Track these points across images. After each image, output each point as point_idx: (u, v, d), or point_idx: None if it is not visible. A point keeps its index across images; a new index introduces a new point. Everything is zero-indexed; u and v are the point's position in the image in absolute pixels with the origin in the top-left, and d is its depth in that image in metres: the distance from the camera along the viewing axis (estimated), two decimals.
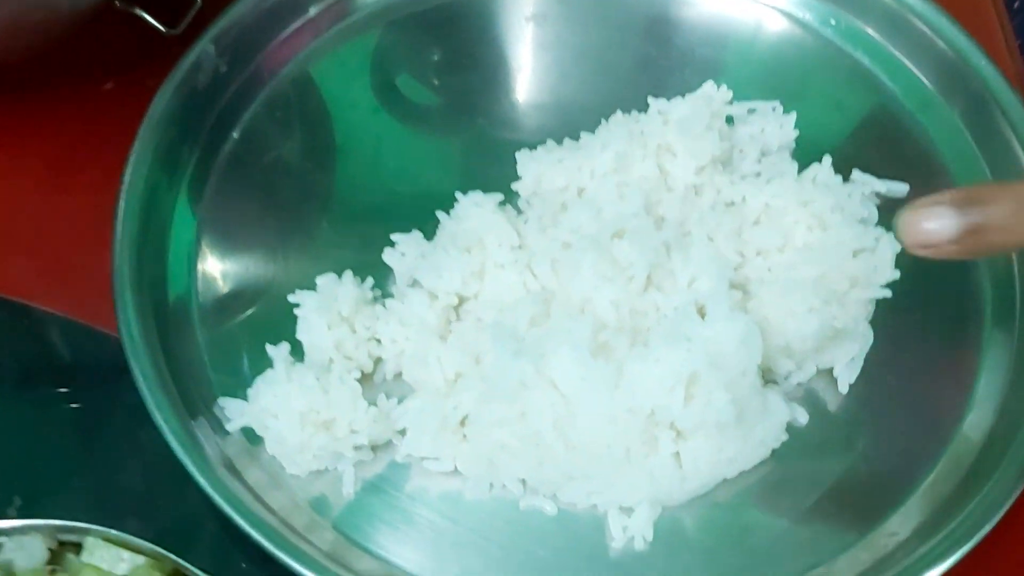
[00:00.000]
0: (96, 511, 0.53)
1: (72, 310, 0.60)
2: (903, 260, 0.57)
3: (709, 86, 0.63)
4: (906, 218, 0.42)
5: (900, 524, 0.52)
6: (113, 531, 0.49)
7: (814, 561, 0.51)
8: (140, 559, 0.49)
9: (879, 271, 0.55)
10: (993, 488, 0.50)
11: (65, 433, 0.58)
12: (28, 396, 0.60)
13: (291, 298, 0.56)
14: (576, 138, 0.62)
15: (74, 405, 0.58)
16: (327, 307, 0.55)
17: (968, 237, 0.40)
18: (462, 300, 0.57)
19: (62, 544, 0.52)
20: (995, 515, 0.49)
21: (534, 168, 0.61)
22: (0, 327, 0.61)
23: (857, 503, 0.53)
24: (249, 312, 0.59)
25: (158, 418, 0.51)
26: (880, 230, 0.57)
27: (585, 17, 0.70)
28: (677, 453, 0.51)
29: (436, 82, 0.69)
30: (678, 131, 0.59)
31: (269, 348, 0.56)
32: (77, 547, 0.52)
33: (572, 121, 0.64)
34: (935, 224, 0.41)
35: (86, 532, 0.50)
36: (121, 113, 0.62)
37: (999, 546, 0.51)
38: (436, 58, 0.69)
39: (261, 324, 0.58)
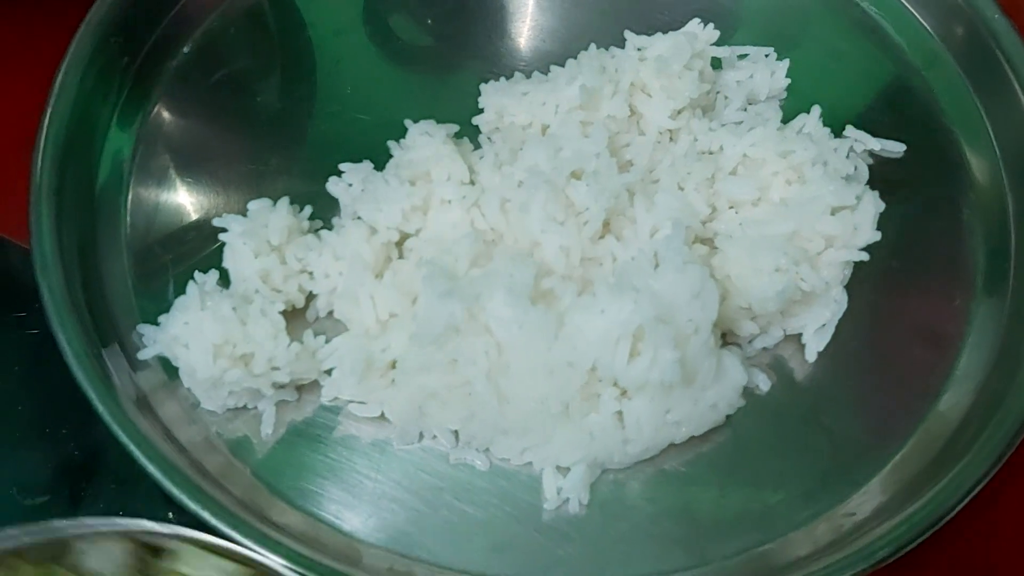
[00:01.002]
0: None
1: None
2: (887, 221, 0.52)
3: (694, 24, 0.59)
4: None
5: (860, 504, 0.47)
6: (207, 536, 0.41)
7: (762, 537, 0.47)
8: (229, 566, 0.42)
9: (859, 232, 0.51)
10: (961, 473, 0.45)
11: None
12: None
13: (216, 222, 0.52)
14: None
15: (32, 331, 0.55)
16: (255, 233, 0.51)
17: None
18: (404, 236, 0.52)
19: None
20: (958, 503, 0.45)
21: (497, 101, 0.56)
22: None
23: (816, 479, 0.49)
24: (183, 237, 0.55)
25: (61, 340, 0.48)
26: (864, 188, 0.52)
27: None
28: (619, 412, 0.47)
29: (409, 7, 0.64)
30: (655, 69, 0.54)
31: (198, 275, 0.52)
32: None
33: (551, 56, 0.60)
34: None
35: (172, 537, 0.42)
36: (76, 18, 0.58)
37: (962, 533, 0.47)
38: None
39: (194, 250, 0.55)
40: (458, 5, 0.64)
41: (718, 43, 0.59)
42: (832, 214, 0.50)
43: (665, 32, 0.58)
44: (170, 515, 0.49)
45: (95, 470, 0.51)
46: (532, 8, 0.64)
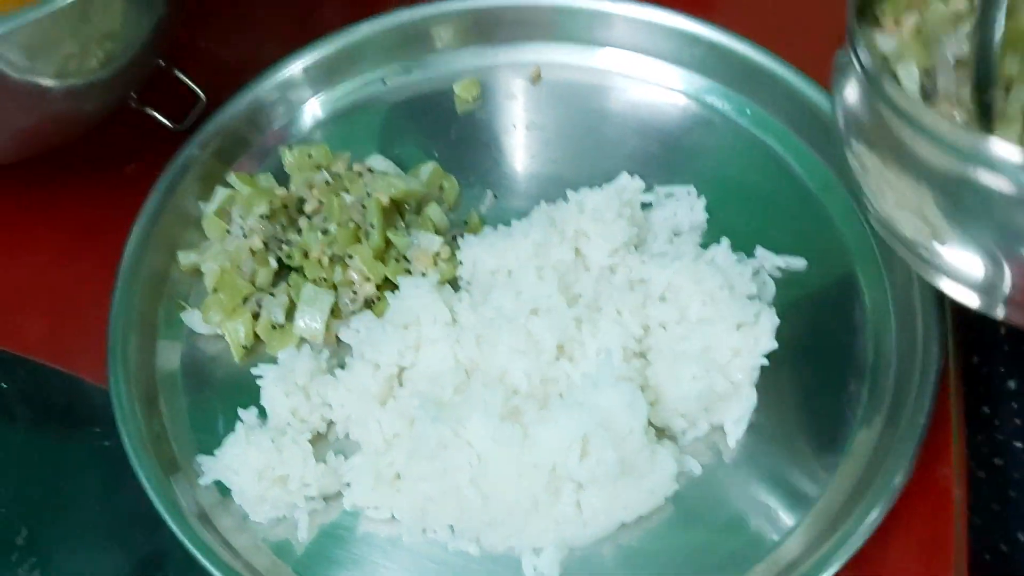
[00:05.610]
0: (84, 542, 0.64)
1: (78, 369, 0.70)
2: (792, 324, 0.65)
3: (624, 177, 0.73)
4: None
5: (771, 564, 0.59)
6: None
7: None
8: None
9: (759, 342, 0.63)
10: (846, 533, 0.58)
11: (82, 469, 0.68)
12: (59, 434, 0.70)
13: (254, 371, 0.66)
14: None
15: (106, 443, 0.66)
16: (285, 378, 0.64)
17: None
18: (402, 370, 0.66)
19: None
20: (840, 558, 0.57)
21: (471, 253, 0.70)
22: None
23: (740, 543, 0.61)
24: (228, 383, 0.69)
25: (140, 474, 0.61)
26: (763, 306, 0.65)
27: (540, 110, 0.80)
28: (578, 502, 0.59)
29: None
30: (592, 219, 0.68)
31: (241, 412, 0.65)
32: None
33: (547, 180, 0.75)
34: None
35: None
36: (137, 194, 0.74)
37: None
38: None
39: (237, 390, 0.68)
40: (460, 137, 0.78)
41: (647, 186, 0.74)
42: (737, 329, 0.63)
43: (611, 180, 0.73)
44: None
45: (159, 570, 0.64)
46: (524, 136, 0.78)
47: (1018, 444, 0.68)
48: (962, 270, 0.49)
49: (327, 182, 0.73)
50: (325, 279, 0.69)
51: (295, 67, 0.80)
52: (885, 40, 0.52)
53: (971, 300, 0.51)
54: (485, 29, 0.82)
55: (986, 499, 0.68)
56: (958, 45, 0.50)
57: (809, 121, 0.76)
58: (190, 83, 0.80)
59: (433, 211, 0.72)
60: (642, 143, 0.78)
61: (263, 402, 0.65)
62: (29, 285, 0.76)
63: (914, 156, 0.47)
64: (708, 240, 0.71)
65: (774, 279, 0.70)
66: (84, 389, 0.70)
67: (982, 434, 0.69)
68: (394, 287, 0.69)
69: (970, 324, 0.68)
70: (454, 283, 0.70)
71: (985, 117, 0.47)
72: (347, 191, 0.72)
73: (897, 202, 0.50)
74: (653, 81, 0.80)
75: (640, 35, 0.80)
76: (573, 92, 0.81)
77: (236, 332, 0.68)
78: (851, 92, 0.52)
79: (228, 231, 0.72)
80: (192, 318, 0.70)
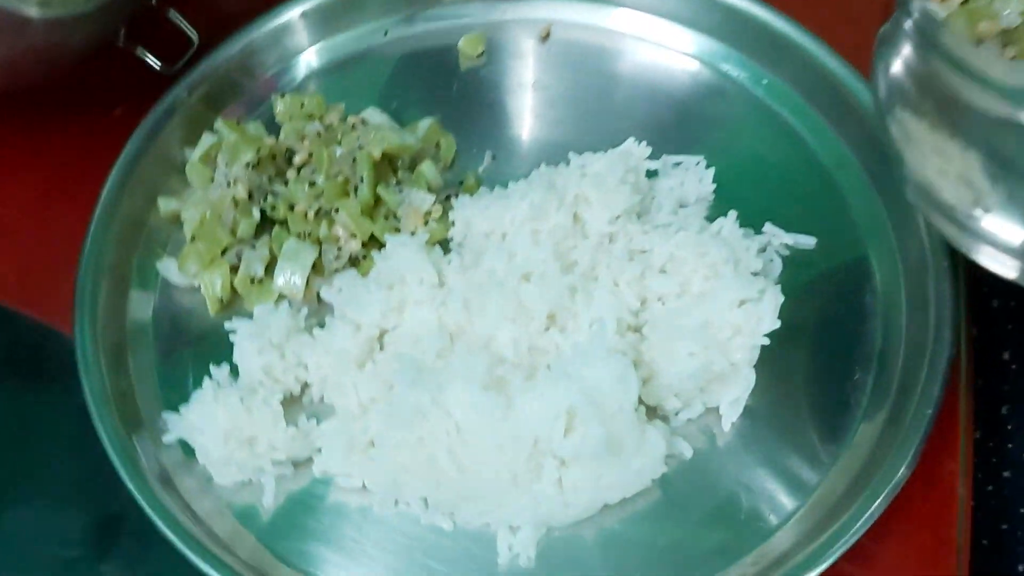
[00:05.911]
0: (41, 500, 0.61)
1: (52, 319, 0.67)
2: (798, 304, 0.62)
3: (630, 143, 0.69)
4: None
5: (760, 556, 0.56)
6: None
7: None
8: None
9: (762, 321, 0.60)
10: (842, 526, 0.54)
11: (48, 424, 0.65)
12: (26, 385, 0.67)
13: (227, 325, 0.62)
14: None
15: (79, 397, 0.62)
16: (259, 334, 0.61)
17: None
18: (384, 332, 0.62)
19: None
20: (835, 553, 0.54)
21: (464, 214, 0.66)
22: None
23: (731, 533, 0.57)
24: (200, 337, 0.65)
25: (100, 430, 0.58)
26: (767, 282, 0.61)
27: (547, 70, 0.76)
28: (560, 479, 0.56)
29: None
30: (593, 184, 0.64)
31: (212, 369, 0.62)
32: None
33: (551, 146, 0.71)
34: None
35: None
36: (123, 137, 0.70)
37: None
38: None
39: (210, 346, 0.65)
40: (462, 94, 0.74)
41: (655, 154, 0.70)
42: (739, 306, 0.60)
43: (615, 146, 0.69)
44: None
45: (120, 530, 0.61)
46: (529, 97, 0.74)
47: None
48: (1002, 236, 0.49)
49: (319, 133, 0.70)
50: (309, 234, 0.66)
51: (293, 12, 0.76)
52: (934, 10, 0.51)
53: (1010, 270, 0.50)
54: None
55: (995, 515, 0.64)
56: (1006, 17, 0.49)
57: (828, 94, 0.72)
58: (183, 24, 0.76)
59: (427, 168, 0.69)
60: (652, 109, 0.74)
61: (235, 359, 0.62)
62: (5, 227, 0.73)
63: (966, 109, 0.47)
64: (715, 213, 0.68)
65: (782, 257, 0.66)
66: (60, 340, 0.67)
67: (992, 440, 0.66)
68: (381, 246, 0.65)
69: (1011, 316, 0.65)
70: (445, 244, 0.67)
71: None
72: (339, 143, 0.68)
73: (940, 168, 0.50)
74: (667, 45, 0.76)
75: None
76: (583, 53, 0.77)
77: (213, 284, 0.65)
78: (897, 60, 0.51)
79: (212, 179, 0.68)
80: (168, 268, 0.66)
